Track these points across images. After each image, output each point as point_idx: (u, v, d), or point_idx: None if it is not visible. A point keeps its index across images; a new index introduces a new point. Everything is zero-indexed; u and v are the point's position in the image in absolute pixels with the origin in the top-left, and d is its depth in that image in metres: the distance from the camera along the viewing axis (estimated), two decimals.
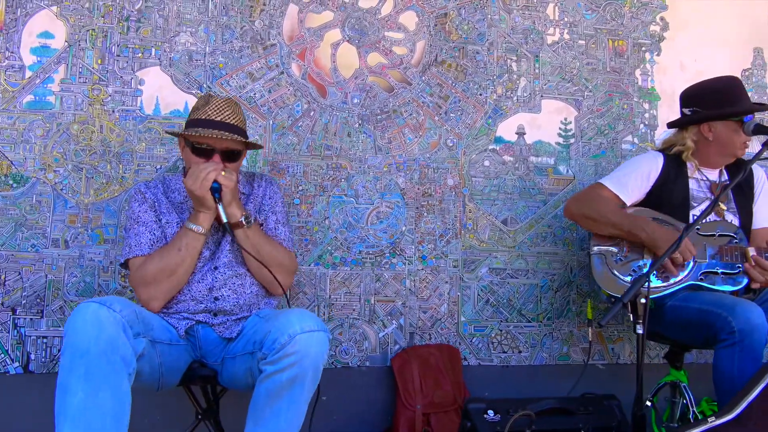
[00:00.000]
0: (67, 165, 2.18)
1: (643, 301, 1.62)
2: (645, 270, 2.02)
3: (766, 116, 2.74)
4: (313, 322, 1.49)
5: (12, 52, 2.17)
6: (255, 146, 1.94)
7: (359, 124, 2.40)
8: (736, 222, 2.12)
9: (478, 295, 2.44)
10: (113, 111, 2.22)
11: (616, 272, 2.04)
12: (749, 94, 2.65)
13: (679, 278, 1.97)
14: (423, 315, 2.40)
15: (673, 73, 2.68)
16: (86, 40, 2.23)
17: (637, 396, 1.64)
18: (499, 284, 2.46)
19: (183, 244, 1.66)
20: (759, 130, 1.99)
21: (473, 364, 2.42)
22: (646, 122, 2.65)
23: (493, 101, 2.52)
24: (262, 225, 1.83)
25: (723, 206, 2.11)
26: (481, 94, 2.51)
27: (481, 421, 1.68)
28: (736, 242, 2.00)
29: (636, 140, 2.62)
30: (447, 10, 2.51)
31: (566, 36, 2.60)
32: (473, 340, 2.43)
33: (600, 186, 2.16)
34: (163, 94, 2.26)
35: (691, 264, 1.98)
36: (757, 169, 2.21)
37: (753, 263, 1.94)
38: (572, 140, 2.58)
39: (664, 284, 1.97)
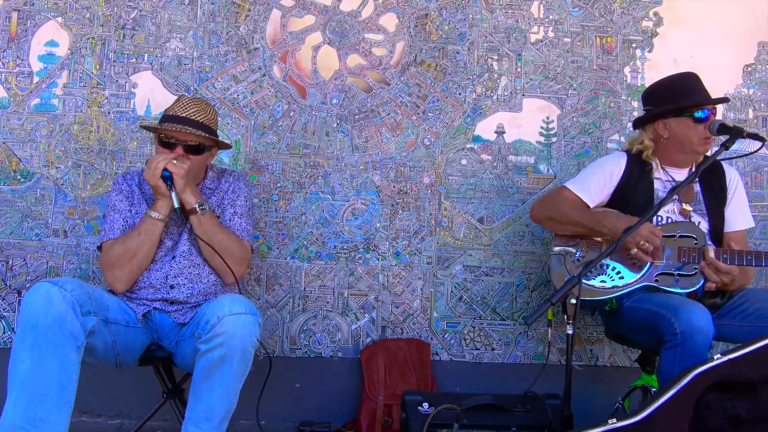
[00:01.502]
0: (68, 162, 2.39)
1: (573, 301, 1.63)
2: (605, 270, 2.00)
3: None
4: (241, 306, 1.60)
5: (22, 60, 2.41)
6: (222, 144, 2.04)
7: (337, 124, 2.49)
8: (705, 225, 2.05)
9: (452, 291, 2.48)
10: (109, 112, 2.42)
11: (570, 272, 2.03)
12: (752, 90, 2.58)
13: (633, 279, 1.95)
14: (395, 309, 2.46)
15: (666, 70, 2.58)
16: (86, 48, 2.43)
17: (564, 395, 1.66)
18: (473, 282, 2.49)
19: (142, 230, 1.80)
20: (723, 129, 1.93)
21: (445, 360, 2.46)
22: None
23: (472, 101, 2.54)
24: (219, 216, 1.93)
25: (688, 207, 2.05)
26: (460, 94, 2.54)
27: (414, 413, 1.73)
28: (695, 244, 1.94)
29: (623, 139, 2.56)
30: (428, 11, 2.55)
31: (551, 34, 2.59)
32: (445, 336, 2.47)
33: (563, 189, 2.15)
34: (153, 96, 2.44)
35: (648, 265, 1.95)
36: (730, 170, 2.13)
37: (708, 263, 1.88)
38: (554, 139, 2.56)
39: (620, 284, 1.95)
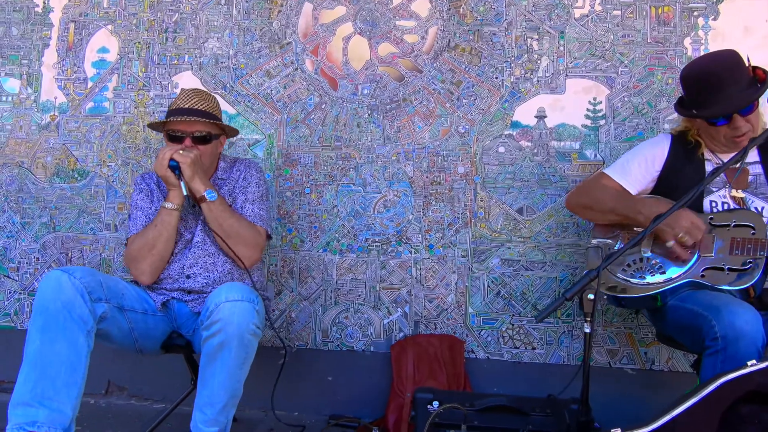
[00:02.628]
0: (117, 160, 2.54)
1: (591, 297, 1.48)
2: (645, 264, 1.80)
3: None
4: (238, 293, 1.61)
5: (78, 67, 2.59)
6: (230, 130, 2.07)
7: (368, 114, 2.45)
8: None
9: (489, 286, 2.36)
10: (154, 113, 2.54)
11: (609, 267, 1.84)
12: None
13: (677, 274, 1.73)
14: (429, 304, 2.38)
15: (735, 39, 2.31)
16: (133, 52, 2.57)
17: (582, 400, 1.51)
18: (512, 276, 2.35)
19: (159, 221, 1.85)
20: None
21: (481, 358, 2.35)
22: None
23: (510, 84, 2.39)
24: (231, 204, 1.95)
25: (740, 194, 1.79)
26: (497, 78, 2.40)
27: (423, 412, 1.66)
28: (752, 234, 1.69)
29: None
30: None
31: (597, 7, 2.38)
32: (482, 333, 2.35)
33: (602, 175, 1.97)
34: None
35: (696, 258, 1.72)
36: None
37: None
38: (602, 122, 2.35)
39: (661, 280, 1.74)
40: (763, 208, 1.80)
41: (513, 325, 2.34)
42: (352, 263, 2.42)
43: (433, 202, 2.40)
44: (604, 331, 2.30)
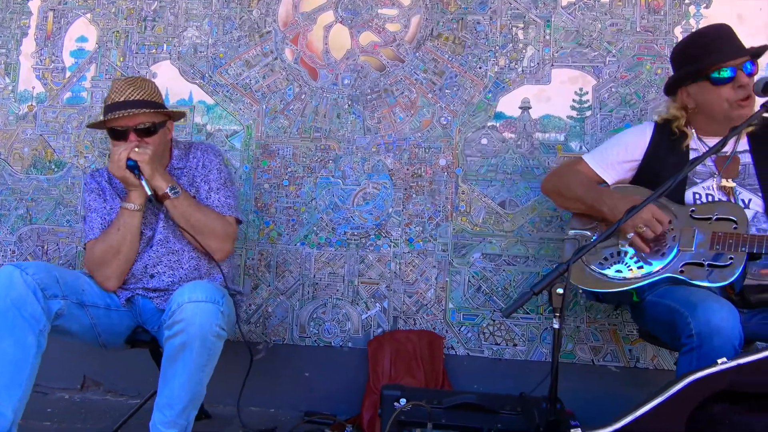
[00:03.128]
0: (94, 151, 2.50)
1: (559, 291, 1.41)
2: (623, 258, 1.74)
3: None
4: (202, 293, 1.55)
5: (56, 56, 2.55)
6: (175, 114, 1.94)
7: (349, 105, 2.39)
8: (758, 202, 1.71)
9: (469, 281, 2.30)
10: None
11: (584, 260, 1.78)
12: None
13: (655, 269, 1.66)
14: (408, 299, 2.32)
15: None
16: (112, 41, 2.53)
17: (550, 398, 1.44)
18: (494, 271, 2.29)
19: (121, 224, 1.77)
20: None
21: (461, 354, 2.29)
22: None
23: (494, 74, 2.33)
24: (195, 196, 1.88)
25: (729, 183, 1.72)
26: (480, 68, 2.34)
27: (389, 409, 1.60)
28: (734, 228, 1.62)
29: None
30: None
31: None
32: (462, 329, 2.29)
33: (579, 161, 1.91)
34: (171, 85, 2.48)
35: (675, 252, 1.65)
36: None
37: None
38: (588, 113, 2.28)
39: (638, 275, 1.67)
40: (750, 200, 1.72)
41: (494, 321, 2.28)
42: (330, 257, 2.37)
43: (414, 195, 2.34)
44: (588, 327, 2.24)
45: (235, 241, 1.95)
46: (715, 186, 1.75)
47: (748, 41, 2.08)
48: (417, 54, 2.37)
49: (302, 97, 2.42)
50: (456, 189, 2.32)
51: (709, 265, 1.58)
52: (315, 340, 2.36)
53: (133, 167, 1.72)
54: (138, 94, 1.78)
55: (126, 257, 1.80)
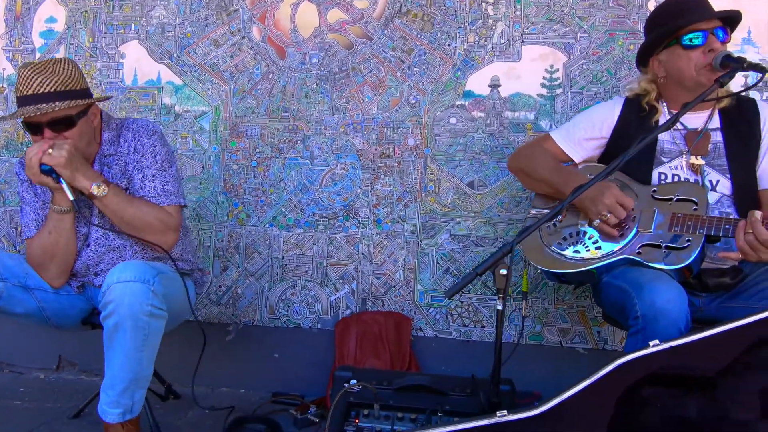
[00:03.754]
0: None
1: (503, 272, 1.39)
2: (581, 238, 1.70)
3: None
4: (131, 273, 1.51)
5: (26, 37, 2.54)
6: (97, 97, 1.76)
7: (317, 85, 2.36)
8: (726, 183, 1.67)
9: (437, 263, 2.28)
10: (101, 84, 2.48)
11: (543, 240, 1.75)
12: None
13: (612, 250, 1.63)
14: (376, 281, 2.31)
15: None
16: (81, 22, 2.51)
17: (493, 380, 1.43)
18: (462, 252, 2.27)
19: (52, 226, 1.68)
20: (726, 62, 1.53)
21: (429, 336, 2.28)
22: None
23: (463, 52, 2.28)
24: (128, 187, 1.76)
25: (698, 161, 1.67)
26: (449, 45, 2.29)
27: (339, 389, 1.60)
28: (694, 210, 1.58)
29: None
30: None
31: None
32: (430, 311, 2.28)
33: (547, 138, 1.87)
34: (140, 65, 2.46)
35: (633, 233, 1.62)
36: (767, 108, 1.70)
37: (750, 226, 1.40)
38: (559, 90, 2.23)
39: (597, 256, 1.64)
40: (718, 181, 1.68)
41: (462, 302, 2.26)
42: (298, 238, 2.36)
43: (382, 176, 2.31)
44: (556, 309, 2.22)
45: (179, 232, 1.80)
46: (684, 164, 1.70)
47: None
48: (385, 31, 2.32)
49: (270, 77, 2.39)
50: (425, 169, 2.29)
51: (666, 247, 1.54)
52: (284, 322, 2.36)
53: (49, 172, 1.56)
54: (49, 84, 1.58)
55: (63, 259, 1.72)
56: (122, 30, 2.48)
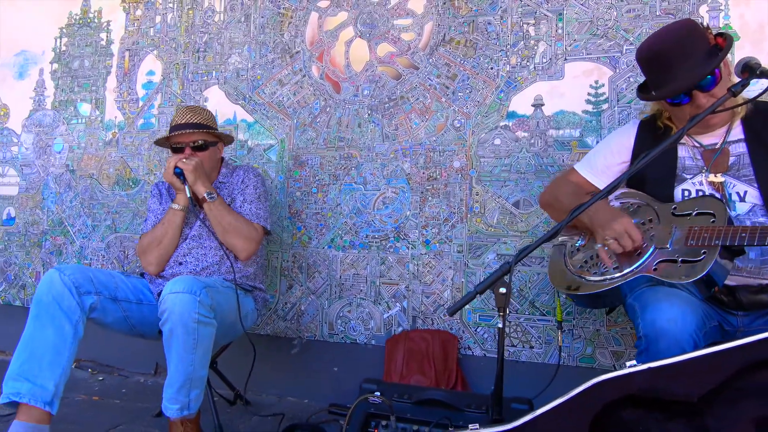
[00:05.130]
0: (161, 169, 2.88)
1: (502, 291, 1.44)
2: (609, 257, 1.67)
3: None
4: (182, 285, 1.78)
5: (132, 89, 2.99)
6: (225, 137, 2.30)
7: (368, 114, 2.52)
8: (754, 193, 1.56)
9: None
10: None
11: (567, 263, 1.74)
12: None
13: (629, 270, 1.57)
14: (426, 300, 2.39)
15: (763, 2, 2.02)
16: (173, 72, 2.90)
17: (495, 398, 1.46)
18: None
19: (166, 219, 2.12)
20: (745, 69, 1.45)
21: (478, 355, 2.31)
22: None
23: (505, 74, 2.32)
24: (230, 204, 2.17)
25: (718, 178, 1.58)
26: (492, 68, 2.34)
27: (364, 401, 1.71)
28: (713, 222, 1.49)
29: None
30: None
31: None
32: (478, 330, 2.31)
33: (571, 171, 1.87)
34: (219, 107, 2.79)
35: (651, 251, 1.56)
36: None
37: None
38: (605, 106, 2.19)
39: (615, 276, 1.60)
40: (746, 192, 1.57)
41: (510, 322, 2.27)
42: (354, 259, 2.51)
43: (430, 198, 2.40)
44: (608, 331, 2.14)
45: (259, 245, 2.16)
46: (704, 181, 1.62)
47: None
48: (430, 60, 2.43)
49: (327, 110, 2.59)
50: (470, 190, 2.35)
51: (682, 261, 1.48)
52: (342, 337, 2.51)
53: (179, 174, 2.05)
54: (195, 118, 2.16)
55: (165, 248, 2.13)
56: (205, 77, 2.84)
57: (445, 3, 2.42)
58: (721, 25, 2.06)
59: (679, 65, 1.54)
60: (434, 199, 2.40)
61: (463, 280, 2.34)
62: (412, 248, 2.42)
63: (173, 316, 1.75)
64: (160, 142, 2.28)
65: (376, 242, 2.48)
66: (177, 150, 2.18)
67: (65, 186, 3.08)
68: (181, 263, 2.14)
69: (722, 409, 1.09)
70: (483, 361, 2.30)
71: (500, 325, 1.44)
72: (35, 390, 1.71)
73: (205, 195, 2.07)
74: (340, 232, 2.54)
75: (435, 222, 2.39)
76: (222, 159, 2.31)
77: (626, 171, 1.37)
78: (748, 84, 1.42)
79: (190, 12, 2.88)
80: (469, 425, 1.17)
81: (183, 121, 2.16)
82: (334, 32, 2.60)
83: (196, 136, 2.16)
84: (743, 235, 1.39)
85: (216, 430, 2.06)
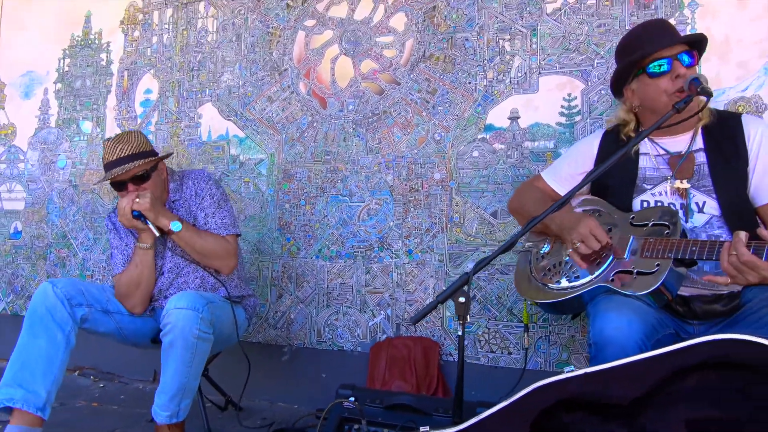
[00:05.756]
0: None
1: (462, 300, 1.52)
2: (564, 267, 1.74)
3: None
4: (184, 302, 1.87)
5: (130, 107, 3.11)
6: (163, 155, 2.17)
7: (353, 129, 2.61)
8: (713, 204, 1.62)
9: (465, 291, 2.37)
10: (184, 141, 2.96)
11: (533, 270, 1.81)
12: None
13: (590, 278, 1.64)
14: (409, 308, 2.47)
15: (728, 14, 2.08)
16: (169, 90, 3.02)
17: (456, 403, 1.53)
18: (487, 280, 2.35)
19: (138, 261, 2.08)
20: (692, 85, 1.51)
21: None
22: None
23: (482, 88, 2.40)
24: (194, 223, 2.14)
25: (683, 184, 1.64)
26: (470, 83, 2.42)
27: (339, 405, 1.79)
28: (667, 233, 1.55)
29: None
30: (435, 2, 2.50)
31: None
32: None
33: (538, 178, 1.94)
34: (213, 123, 2.90)
35: (610, 261, 1.63)
36: (754, 123, 1.63)
37: (730, 252, 1.35)
38: (578, 118, 2.26)
39: (576, 284, 1.67)
40: (704, 203, 1.63)
41: (489, 329, 2.33)
42: (340, 269, 2.59)
43: (412, 209, 2.48)
44: (583, 337, 2.20)
45: (237, 256, 2.21)
46: (669, 189, 1.67)
47: (752, 25, 1.97)
48: (411, 75, 2.52)
49: (314, 125, 2.69)
50: (450, 201, 2.42)
51: (638, 273, 1.54)
52: (330, 345, 2.60)
53: (138, 216, 1.98)
54: (127, 149, 2.02)
55: (146, 287, 2.12)
56: (199, 95, 2.95)
57: (425, 20, 2.51)
58: None
59: (665, 30, 1.62)
60: (416, 210, 2.47)
61: (444, 288, 2.40)
62: (395, 258, 2.50)
63: (175, 330, 1.84)
64: (99, 183, 2.25)
65: (361, 252, 2.56)
66: (118, 186, 2.07)
67: (68, 200, 3.21)
68: (166, 297, 2.16)
69: (655, 412, 1.15)
70: (465, 367, 2.36)
71: (460, 333, 1.52)
72: (28, 396, 1.82)
73: (171, 227, 2.01)
74: (327, 242, 2.62)
75: (417, 232, 2.47)
76: (167, 174, 2.21)
77: (584, 179, 1.43)
78: (690, 100, 1.48)
79: (185, 32, 3.00)
80: (420, 427, 1.23)
81: (114, 158, 2.02)
82: (320, 50, 2.70)
83: (135, 170, 2.02)
84: (694, 249, 1.44)
85: None
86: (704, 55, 2.05)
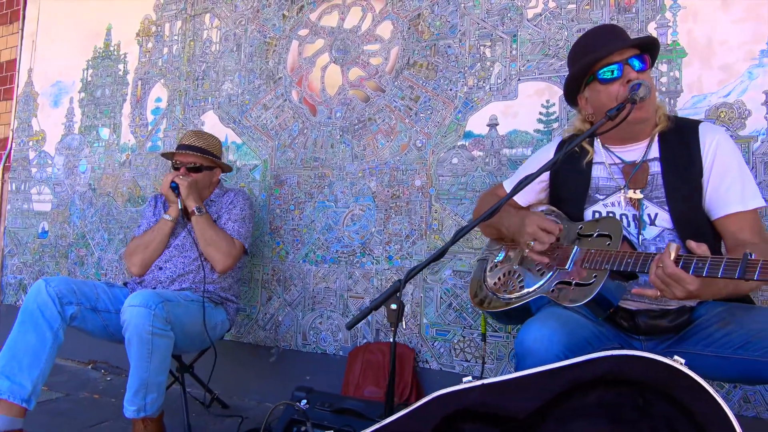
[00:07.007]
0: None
1: (393, 306, 1.53)
2: (511, 277, 1.71)
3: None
4: (139, 300, 1.95)
5: (142, 115, 3.28)
6: (223, 165, 2.48)
7: (340, 136, 2.65)
8: (665, 216, 1.55)
9: (441, 298, 2.37)
10: None
11: (486, 279, 1.79)
12: None
13: (531, 288, 1.61)
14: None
15: (711, 16, 1.99)
16: (177, 99, 3.17)
17: (386, 406, 1.54)
18: (464, 287, 2.33)
19: (156, 227, 2.34)
20: (632, 91, 1.46)
21: (435, 368, 2.36)
22: (663, 88, 2.04)
23: (463, 95, 2.39)
24: (216, 221, 2.36)
25: (636, 194, 1.58)
26: (451, 89, 2.42)
27: (291, 407, 1.83)
28: (608, 245, 1.50)
29: None
30: (420, 10, 2.51)
31: (552, 4, 2.25)
32: (435, 344, 2.37)
33: (499, 186, 1.92)
34: (214, 130, 3.01)
35: (552, 272, 1.59)
36: (711, 132, 1.54)
37: (658, 264, 1.30)
38: (555, 125, 2.21)
39: (520, 294, 1.64)
40: (656, 215, 1.57)
41: (464, 337, 2.31)
42: (325, 273, 2.64)
43: (393, 215, 2.50)
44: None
45: (236, 261, 2.31)
46: (622, 199, 1.62)
47: (735, 27, 1.90)
48: (395, 83, 2.54)
49: (305, 132, 2.75)
50: (430, 208, 2.42)
51: (576, 284, 1.50)
52: (314, 347, 2.64)
53: (175, 188, 2.29)
54: (198, 143, 2.39)
55: (150, 253, 2.33)
56: (203, 103, 3.07)
57: (409, 28, 2.52)
58: (669, 42, 2.04)
59: (615, 38, 1.57)
60: (397, 217, 2.49)
61: (421, 294, 2.41)
62: (376, 263, 2.52)
63: (130, 327, 1.93)
64: (165, 155, 2.51)
65: (344, 257, 2.59)
66: (175, 167, 2.41)
67: (87, 203, 3.41)
68: (161, 268, 2.33)
69: (553, 426, 1.13)
70: (439, 375, 2.35)
71: (391, 340, 1.52)
72: (14, 388, 1.94)
73: (194, 209, 2.28)
74: (313, 247, 2.67)
75: (397, 238, 2.48)
76: (218, 182, 2.51)
77: (525, 180, 1.40)
78: (623, 108, 1.43)
79: (192, 43, 3.13)
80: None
81: (186, 143, 2.39)
82: (312, 59, 2.76)
83: (193, 159, 2.38)
84: (629, 260, 1.39)
85: (186, 430, 2.24)
86: (686, 59, 1.99)
